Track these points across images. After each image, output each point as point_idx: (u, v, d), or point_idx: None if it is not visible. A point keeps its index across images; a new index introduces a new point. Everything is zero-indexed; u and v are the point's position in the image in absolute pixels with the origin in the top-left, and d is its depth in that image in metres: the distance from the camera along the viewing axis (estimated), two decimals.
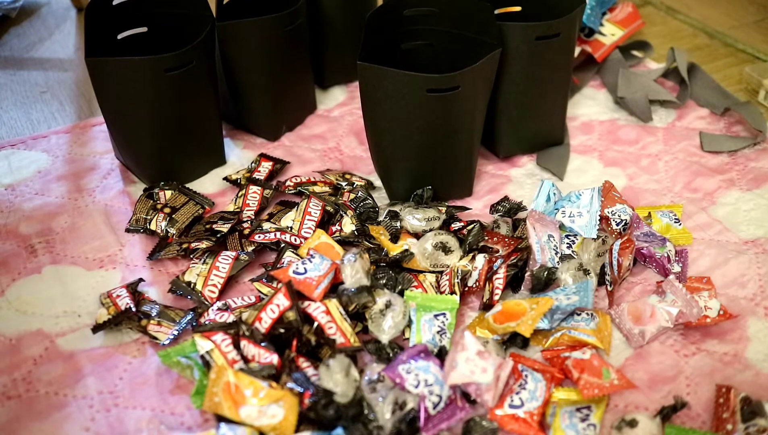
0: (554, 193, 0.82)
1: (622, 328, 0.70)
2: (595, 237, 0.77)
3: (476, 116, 0.82)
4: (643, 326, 0.69)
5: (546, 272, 0.73)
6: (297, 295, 0.68)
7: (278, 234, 0.79)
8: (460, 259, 0.75)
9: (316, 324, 0.67)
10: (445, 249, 0.76)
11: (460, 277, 0.73)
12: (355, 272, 0.70)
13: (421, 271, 0.76)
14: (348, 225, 0.79)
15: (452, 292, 0.72)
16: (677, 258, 0.77)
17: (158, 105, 0.83)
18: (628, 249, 0.74)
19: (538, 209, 0.81)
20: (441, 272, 0.76)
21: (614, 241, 0.75)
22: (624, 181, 0.90)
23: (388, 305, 0.69)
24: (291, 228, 0.81)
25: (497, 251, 0.77)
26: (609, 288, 0.73)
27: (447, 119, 0.79)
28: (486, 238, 0.79)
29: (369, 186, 0.89)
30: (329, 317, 0.67)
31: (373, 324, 0.69)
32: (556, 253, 0.75)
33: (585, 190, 0.81)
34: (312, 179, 0.88)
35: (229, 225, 0.80)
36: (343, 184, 0.87)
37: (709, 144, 0.95)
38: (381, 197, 0.88)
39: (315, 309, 0.68)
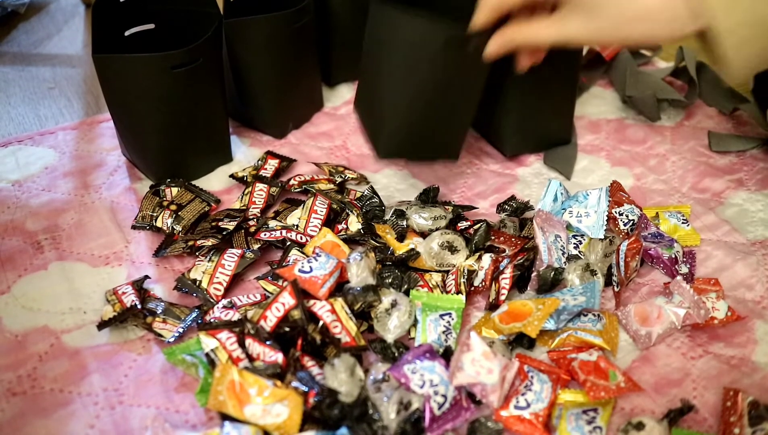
0: (561, 193, 0.82)
1: (629, 330, 0.70)
2: (603, 237, 0.76)
3: (482, 76, 0.80)
4: (650, 327, 0.69)
5: (553, 272, 0.72)
6: (302, 294, 0.68)
7: (284, 232, 0.79)
8: (467, 258, 0.75)
9: (321, 323, 0.67)
10: (452, 248, 0.75)
11: (466, 277, 0.73)
12: (360, 271, 0.70)
13: (427, 271, 0.76)
14: (354, 223, 0.79)
15: (458, 292, 0.72)
16: (685, 259, 0.77)
17: (165, 102, 0.83)
18: (636, 250, 0.74)
19: (545, 209, 0.80)
20: (447, 272, 0.75)
21: (621, 242, 0.74)
22: (631, 180, 0.90)
23: (393, 305, 0.69)
24: (297, 226, 0.81)
25: (504, 251, 0.77)
26: (616, 289, 0.73)
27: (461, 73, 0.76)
28: (492, 237, 0.78)
29: (362, 179, 0.89)
30: (334, 316, 0.67)
31: (378, 323, 0.69)
32: (563, 254, 0.75)
33: (593, 190, 0.81)
34: (315, 177, 0.88)
35: (235, 222, 0.80)
36: (336, 176, 0.87)
37: (717, 144, 0.94)
38: (385, 196, 0.88)
39: (320, 308, 0.67)
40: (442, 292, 0.73)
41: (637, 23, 0.65)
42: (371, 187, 0.84)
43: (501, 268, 0.73)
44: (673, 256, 0.75)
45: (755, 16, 0.62)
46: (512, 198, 0.82)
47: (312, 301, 0.68)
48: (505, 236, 0.78)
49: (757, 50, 0.64)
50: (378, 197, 0.82)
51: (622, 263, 0.73)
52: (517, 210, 0.81)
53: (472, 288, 0.73)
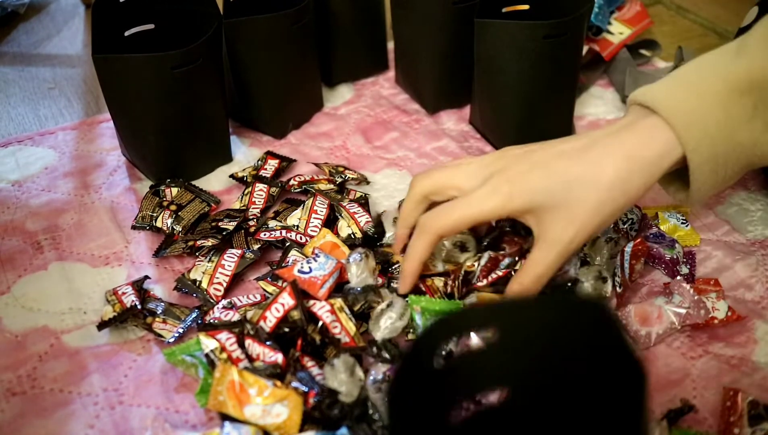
0: None
1: (629, 330, 0.70)
2: (608, 238, 0.75)
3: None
4: (649, 327, 0.69)
5: (569, 284, 0.71)
6: (302, 294, 0.68)
7: (284, 232, 0.79)
8: (472, 258, 0.74)
9: (320, 323, 0.67)
10: (463, 247, 0.75)
11: (461, 278, 0.72)
12: (360, 271, 0.70)
13: (429, 275, 0.75)
14: (345, 229, 0.79)
15: (451, 293, 0.72)
16: (685, 259, 0.77)
17: (165, 102, 0.83)
18: (641, 252, 0.74)
19: None
20: (448, 274, 0.75)
21: (627, 243, 0.74)
22: None
23: (388, 305, 0.69)
24: (297, 226, 0.81)
25: (503, 250, 0.77)
26: (618, 290, 0.73)
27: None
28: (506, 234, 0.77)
29: (362, 179, 0.89)
30: (334, 316, 0.67)
31: (372, 323, 0.69)
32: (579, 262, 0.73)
33: None
34: (315, 177, 0.88)
35: (235, 223, 0.80)
36: (336, 176, 0.87)
37: None
38: (379, 195, 0.88)
39: (320, 308, 0.67)
40: (442, 297, 0.73)
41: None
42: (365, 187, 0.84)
43: (501, 266, 0.73)
44: (675, 256, 0.75)
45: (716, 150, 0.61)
46: None
47: (312, 302, 0.68)
48: (509, 236, 0.78)
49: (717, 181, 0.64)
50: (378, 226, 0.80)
51: (626, 265, 0.73)
52: None
53: (468, 286, 0.73)
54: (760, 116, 0.60)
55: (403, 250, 0.71)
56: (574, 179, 0.60)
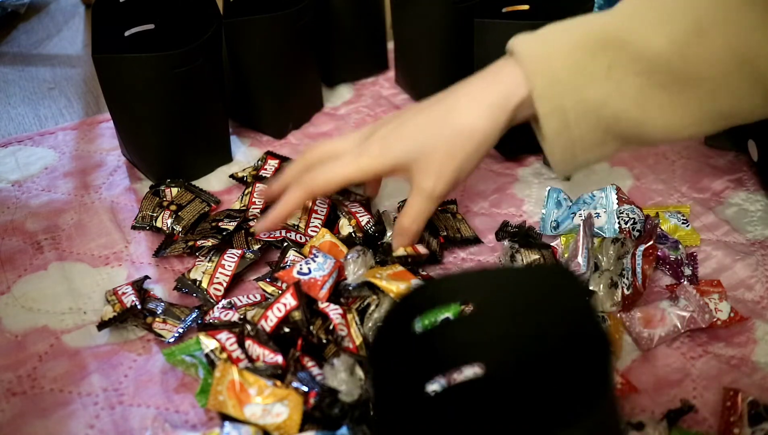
0: (564, 199, 0.82)
1: (632, 332, 0.70)
2: (615, 238, 0.75)
3: None
4: (652, 329, 0.69)
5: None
6: (304, 296, 0.68)
7: (284, 232, 0.79)
8: None
9: (329, 322, 0.67)
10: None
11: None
12: (357, 269, 0.71)
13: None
14: (346, 227, 0.79)
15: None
16: (687, 261, 0.77)
17: (165, 102, 0.83)
18: (652, 256, 0.73)
19: (550, 217, 0.80)
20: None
21: (636, 247, 0.73)
22: (631, 181, 0.90)
23: (377, 306, 0.69)
24: (297, 226, 0.81)
25: None
26: (627, 292, 0.72)
27: None
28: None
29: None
30: (344, 321, 0.67)
31: (364, 325, 0.69)
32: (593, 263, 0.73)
33: (596, 190, 0.80)
34: None
35: (235, 223, 0.80)
36: None
37: (712, 138, 0.93)
38: (379, 195, 0.88)
39: (333, 310, 0.67)
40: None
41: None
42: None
43: None
44: (679, 257, 0.75)
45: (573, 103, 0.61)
46: (505, 224, 0.80)
47: (326, 304, 0.68)
48: None
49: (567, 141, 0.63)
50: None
51: (639, 270, 0.72)
52: (519, 235, 0.78)
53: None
54: (613, 77, 0.60)
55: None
56: (427, 131, 0.65)
